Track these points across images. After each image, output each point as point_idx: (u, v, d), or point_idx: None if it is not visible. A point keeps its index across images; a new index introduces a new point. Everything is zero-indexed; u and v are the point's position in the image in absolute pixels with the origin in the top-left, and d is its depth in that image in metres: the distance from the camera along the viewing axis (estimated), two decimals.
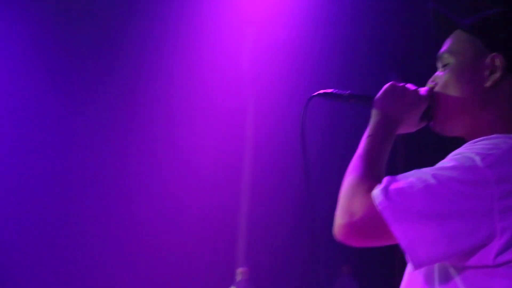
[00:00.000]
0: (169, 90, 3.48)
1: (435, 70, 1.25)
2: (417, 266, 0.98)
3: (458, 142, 1.12)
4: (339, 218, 1.03)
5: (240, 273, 3.53)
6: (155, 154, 3.52)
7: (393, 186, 0.98)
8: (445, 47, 1.24)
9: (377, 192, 0.97)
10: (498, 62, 1.11)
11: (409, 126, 1.26)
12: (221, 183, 3.65)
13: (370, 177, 1.07)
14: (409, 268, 1.09)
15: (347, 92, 1.30)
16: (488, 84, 1.13)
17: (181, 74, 3.46)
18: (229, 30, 3.15)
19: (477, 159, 0.95)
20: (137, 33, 3.77)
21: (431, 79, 1.27)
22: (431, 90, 1.24)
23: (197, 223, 3.20)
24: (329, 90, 1.32)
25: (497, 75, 1.11)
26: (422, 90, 1.24)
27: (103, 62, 4.15)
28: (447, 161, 1.02)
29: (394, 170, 1.16)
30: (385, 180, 1.01)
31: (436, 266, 1.03)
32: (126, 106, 3.71)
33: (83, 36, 4.07)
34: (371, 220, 0.98)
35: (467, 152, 1.01)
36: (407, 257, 0.96)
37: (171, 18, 3.61)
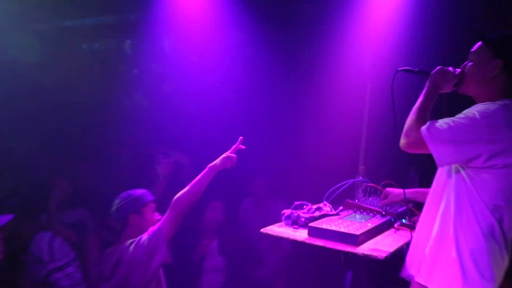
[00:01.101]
0: (321, 80, 4.48)
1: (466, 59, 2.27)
2: (440, 165, 2.16)
3: (470, 103, 2.16)
4: (403, 139, 2.20)
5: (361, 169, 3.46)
6: (310, 120, 4.46)
7: (433, 125, 2.08)
8: (474, 48, 2.25)
9: (423, 128, 2.09)
10: (498, 65, 2.12)
11: (447, 89, 2.30)
12: (346, 128, 3.97)
13: (420, 119, 2.16)
14: (438, 177, 2.26)
15: (417, 69, 2.37)
16: (491, 75, 2.14)
17: (331, 70, 4.44)
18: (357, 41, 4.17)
19: (476, 114, 2.01)
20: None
21: (463, 65, 2.28)
22: (461, 72, 2.27)
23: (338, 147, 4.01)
24: (407, 67, 2.40)
25: (496, 71, 2.12)
26: (457, 71, 2.27)
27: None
28: (462, 114, 2.07)
29: (440, 116, 2.16)
30: (428, 122, 2.12)
31: (452, 166, 2.15)
32: (301, 90, 4.75)
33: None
34: (419, 140, 2.10)
35: (472, 110, 2.06)
36: (436, 160, 2.10)
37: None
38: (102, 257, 2.97)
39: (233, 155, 2.94)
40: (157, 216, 3.00)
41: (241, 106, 5.08)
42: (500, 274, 2.10)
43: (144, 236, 2.82)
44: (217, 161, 2.90)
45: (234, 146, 2.97)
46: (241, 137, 2.98)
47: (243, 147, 2.98)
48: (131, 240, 2.84)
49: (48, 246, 3.33)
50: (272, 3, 4.82)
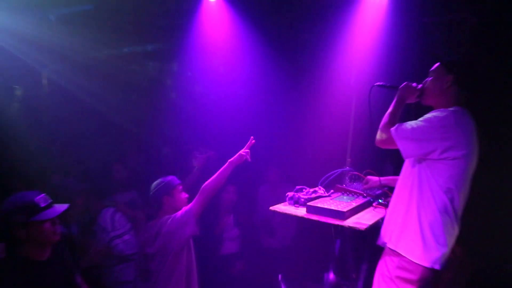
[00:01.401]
0: (316, 84, 4.46)
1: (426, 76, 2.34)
2: (405, 157, 2.22)
3: (428, 109, 2.21)
4: (377, 137, 2.27)
5: (348, 161, 3.44)
6: (308, 122, 4.37)
7: (400, 127, 2.16)
8: (432, 68, 2.30)
9: (392, 128, 2.17)
10: (450, 79, 2.19)
11: (411, 100, 2.35)
12: (336, 128, 3.93)
13: (391, 122, 2.23)
14: (405, 167, 2.30)
15: (389, 84, 2.44)
16: (445, 87, 2.21)
17: (325, 83, 4.39)
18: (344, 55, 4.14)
19: (432, 118, 2.10)
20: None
21: (424, 81, 2.33)
22: (422, 86, 2.32)
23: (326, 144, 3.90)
24: (381, 83, 2.47)
25: (449, 84, 2.19)
26: (419, 86, 2.33)
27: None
28: (422, 118, 2.14)
29: (410, 120, 2.18)
30: (397, 124, 2.18)
31: (415, 158, 2.19)
32: (302, 99, 4.70)
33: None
34: (389, 138, 2.18)
35: (429, 115, 2.13)
36: (402, 153, 2.17)
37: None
38: (145, 228, 3.02)
39: (245, 152, 2.97)
40: (184, 195, 3.02)
41: (256, 112, 5.09)
42: (451, 241, 2.16)
43: (179, 213, 2.86)
44: (235, 157, 2.95)
45: (247, 145, 3.00)
46: (252, 137, 3.02)
47: (253, 141, 3.01)
48: (168, 216, 2.88)
49: (111, 219, 3.42)
50: (278, 32, 4.83)
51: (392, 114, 2.29)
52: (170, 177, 3.03)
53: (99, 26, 5.44)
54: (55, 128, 6.88)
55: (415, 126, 2.12)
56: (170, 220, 2.85)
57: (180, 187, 3.04)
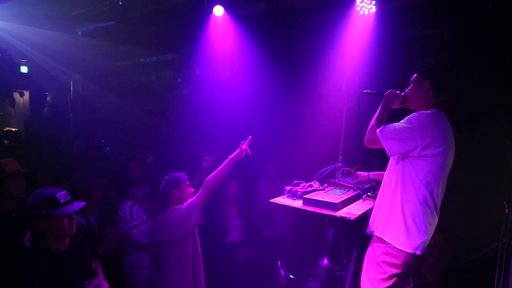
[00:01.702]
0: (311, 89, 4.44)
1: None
2: (390, 155, 2.22)
3: (410, 112, 2.22)
4: (365, 138, 2.29)
5: (340, 158, 3.40)
6: (305, 123, 4.34)
7: (384, 128, 2.18)
8: (412, 77, 2.32)
9: (378, 130, 2.19)
10: (427, 84, 2.22)
11: (396, 105, 2.33)
12: (329, 129, 3.92)
13: (376, 125, 2.24)
14: (390, 163, 2.31)
15: (375, 92, 2.43)
16: (423, 91, 2.23)
17: (319, 89, 4.35)
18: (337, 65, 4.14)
19: (412, 119, 2.11)
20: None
21: (406, 88, 2.33)
22: (405, 93, 2.32)
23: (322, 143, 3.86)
24: (368, 91, 2.45)
25: (426, 88, 2.21)
26: (402, 93, 2.32)
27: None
28: (404, 120, 2.15)
29: (393, 120, 2.22)
30: (382, 126, 2.21)
31: (399, 156, 2.20)
32: (299, 103, 4.71)
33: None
34: (376, 140, 2.19)
35: (410, 117, 2.14)
36: (387, 151, 2.19)
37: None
38: (155, 218, 3.02)
39: (244, 148, 2.93)
40: (191, 189, 3.01)
41: (257, 115, 5.10)
42: (431, 229, 2.15)
43: (185, 205, 2.86)
44: (234, 153, 2.93)
45: (245, 143, 2.96)
46: (250, 136, 2.99)
47: (251, 138, 2.97)
48: (175, 207, 2.88)
49: (129, 210, 3.40)
50: (277, 43, 4.84)
51: (379, 117, 2.29)
52: (178, 173, 3.02)
53: (120, 39, 5.46)
54: (80, 130, 6.90)
55: (397, 127, 2.13)
56: (176, 211, 2.86)
57: (188, 182, 3.02)
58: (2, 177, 2.49)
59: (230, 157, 2.92)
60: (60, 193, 2.07)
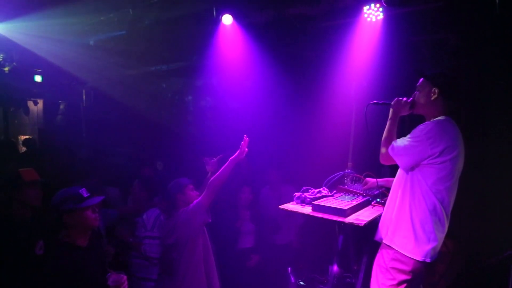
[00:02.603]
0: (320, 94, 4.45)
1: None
2: (403, 169, 2.22)
3: (420, 120, 2.22)
4: (380, 157, 2.28)
5: (349, 164, 3.39)
6: (313, 129, 4.34)
7: (394, 146, 2.18)
8: (418, 82, 2.29)
9: (389, 149, 2.20)
10: (436, 91, 2.17)
11: (404, 112, 2.31)
12: (338, 135, 3.93)
13: (387, 143, 2.23)
14: (399, 171, 2.28)
15: (381, 102, 2.43)
16: (432, 99, 2.19)
17: (328, 95, 4.38)
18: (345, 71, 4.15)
19: (419, 133, 2.09)
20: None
21: (413, 94, 2.31)
22: (412, 99, 2.30)
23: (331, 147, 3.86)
24: (375, 101, 2.46)
25: (435, 96, 2.17)
26: (409, 99, 2.30)
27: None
28: (413, 132, 2.13)
29: (403, 134, 2.21)
30: (392, 144, 2.20)
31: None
32: (307, 109, 4.80)
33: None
34: (389, 157, 2.21)
35: (417, 130, 2.11)
36: (399, 166, 2.23)
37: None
38: (165, 224, 3.14)
39: (243, 149, 3.03)
40: (195, 192, 3.12)
41: (266, 122, 5.12)
42: (441, 236, 2.13)
43: (191, 206, 2.99)
44: (234, 155, 3.03)
45: (242, 144, 3.05)
46: (245, 135, 3.06)
47: (247, 138, 3.07)
48: (182, 209, 3.00)
49: (154, 219, 3.40)
50: (285, 50, 4.86)
51: (389, 131, 2.29)
52: (182, 179, 3.14)
53: (131, 48, 5.55)
54: (92, 137, 7.00)
55: (406, 143, 2.14)
56: (183, 212, 2.98)
57: (191, 186, 3.13)
58: (21, 185, 2.58)
59: (230, 158, 3.02)
60: (81, 189, 2.29)
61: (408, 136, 2.16)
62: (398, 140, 2.20)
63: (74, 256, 2.17)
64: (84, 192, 2.29)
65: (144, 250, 3.34)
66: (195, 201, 2.99)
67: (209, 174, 3.67)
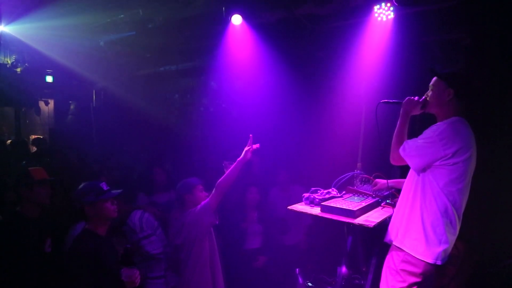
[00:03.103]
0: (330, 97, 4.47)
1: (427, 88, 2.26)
2: (414, 170, 2.19)
3: (432, 120, 2.20)
4: (391, 157, 2.27)
5: (358, 165, 3.37)
6: (322, 130, 4.37)
7: (406, 146, 2.16)
8: (432, 81, 2.23)
9: (400, 150, 2.18)
10: (451, 93, 2.12)
11: (416, 111, 2.26)
12: (348, 135, 3.91)
13: (398, 143, 2.22)
14: (410, 171, 2.25)
15: (392, 101, 2.38)
16: (447, 100, 2.14)
17: (338, 95, 4.39)
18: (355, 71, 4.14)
19: (432, 134, 2.07)
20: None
21: (426, 93, 2.26)
22: (424, 98, 2.25)
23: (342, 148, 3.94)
24: (386, 100, 2.41)
25: (450, 97, 2.12)
26: (421, 99, 2.26)
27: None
28: (423, 134, 2.12)
29: (414, 134, 2.20)
30: (403, 144, 2.19)
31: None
32: (316, 109, 4.85)
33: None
34: (399, 157, 2.19)
35: (429, 131, 2.10)
36: (411, 167, 2.20)
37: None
38: (173, 223, 3.16)
39: (247, 148, 3.00)
40: (204, 193, 3.10)
41: (273, 122, 5.11)
42: (453, 239, 2.11)
43: (198, 207, 2.99)
44: (241, 156, 2.99)
45: (248, 143, 3.03)
46: (251, 135, 3.05)
47: (251, 136, 3.06)
48: (190, 210, 3.01)
49: (139, 220, 3.31)
50: (295, 50, 4.85)
51: (400, 131, 2.27)
52: (191, 178, 3.14)
53: (140, 49, 5.60)
54: (103, 137, 7.07)
55: (418, 144, 2.12)
56: (191, 213, 2.99)
57: (201, 186, 3.12)
58: (31, 183, 2.62)
59: (238, 159, 3.00)
60: (102, 183, 2.48)
61: (420, 136, 2.13)
62: (409, 140, 2.17)
63: (96, 243, 2.35)
64: (104, 186, 2.46)
65: (146, 252, 3.30)
66: (202, 202, 2.99)
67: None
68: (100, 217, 2.43)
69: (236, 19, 4.40)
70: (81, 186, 2.47)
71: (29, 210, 2.65)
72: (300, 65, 4.94)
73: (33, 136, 7.94)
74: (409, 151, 2.14)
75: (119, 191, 2.52)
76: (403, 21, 3.80)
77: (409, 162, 2.17)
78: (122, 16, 4.88)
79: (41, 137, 7.77)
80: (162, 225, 3.53)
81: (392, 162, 2.28)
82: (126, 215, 3.37)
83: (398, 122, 2.29)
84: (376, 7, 3.78)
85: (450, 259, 2.14)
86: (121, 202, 3.52)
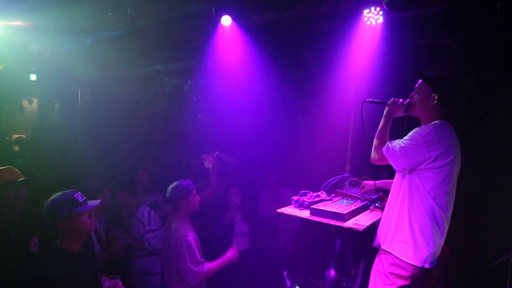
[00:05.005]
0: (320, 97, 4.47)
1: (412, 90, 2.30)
2: (397, 171, 2.23)
3: (416, 123, 2.23)
4: (372, 156, 2.27)
5: (347, 168, 3.38)
6: (311, 133, 4.45)
7: (390, 146, 2.15)
8: (417, 85, 2.26)
9: (383, 148, 2.18)
10: (435, 97, 2.15)
11: (399, 113, 2.32)
12: (337, 139, 3.94)
13: (381, 142, 2.23)
14: (397, 175, 2.28)
15: (377, 100, 2.42)
16: (431, 104, 2.17)
17: (326, 98, 4.42)
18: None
19: (417, 135, 2.08)
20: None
21: (410, 95, 2.30)
22: (409, 101, 2.29)
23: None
24: (370, 99, 2.44)
25: (434, 102, 2.15)
26: (405, 101, 2.30)
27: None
28: (408, 136, 2.12)
29: (402, 135, 2.19)
30: (387, 143, 2.18)
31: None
32: (304, 113, 4.92)
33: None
34: (382, 157, 2.19)
35: (414, 133, 2.11)
36: (394, 168, 2.20)
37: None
38: (165, 228, 3.11)
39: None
40: (197, 198, 3.05)
41: (262, 124, 5.12)
42: (440, 242, 2.13)
43: (186, 252, 2.87)
44: (229, 253, 3.15)
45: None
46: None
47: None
48: (177, 229, 2.91)
49: (148, 214, 3.41)
50: (283, 53, 4.87)
51: (382, 130, 2.28)
52: (186, 182, 3.05)
53: (128, 48, 5.53)
54: (88, 138, 6.95)
55: (402, 145, 2.12)
56: (176, 239, 2.86)
57: (195, 191, 3.06)
58: None
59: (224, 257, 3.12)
60: (76, 194, 2.22)
61: (405, 138, 2.14)
62: (394, 141, 2.18)
63: (68, 263, 2.13)
64: (79, 197, 2.22)
65: (150, 245, 3.35)
66: (190, 264, 2.82)
67: (211, 171, 3.67)
68: (75, 232, 2.19)
69: (226, 20, 4.39)
70: (52, 198, 2.20)
71: (5, 213, 2.54)
72: (289, 67, 4.96)
73: (16, 135, 7.78)
74: (393, 151, 2.14)
75: (96, 202, 2.29)
76: (392, 25, 3.85)
77: (392, 162, 2.17)
78: (110, 14, 4.82)
79: (24, 136, 7.62)
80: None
81: (373, 161, 2.28)
82: (134, 208, 3.45)
83: (381, 122, 2.31)
84: (365, 11, 3.82)
85: (437, 262, 2.16)
86: (128, 196, 3.55)
